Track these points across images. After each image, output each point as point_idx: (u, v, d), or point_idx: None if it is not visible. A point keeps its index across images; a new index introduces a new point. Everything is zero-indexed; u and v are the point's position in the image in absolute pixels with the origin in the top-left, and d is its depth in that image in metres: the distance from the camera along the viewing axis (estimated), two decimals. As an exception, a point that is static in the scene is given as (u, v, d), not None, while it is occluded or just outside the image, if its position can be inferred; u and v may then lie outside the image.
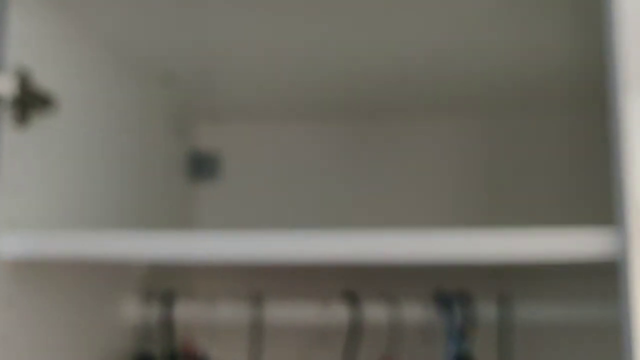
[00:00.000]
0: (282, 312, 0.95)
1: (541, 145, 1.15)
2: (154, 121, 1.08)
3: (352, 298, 0.93)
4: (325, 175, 1.18)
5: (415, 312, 0.91)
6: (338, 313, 0.92)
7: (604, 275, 0.97)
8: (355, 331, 0.92)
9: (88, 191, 0.86)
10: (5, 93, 0.68)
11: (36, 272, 0.73)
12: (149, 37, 0.89)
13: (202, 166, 1.22)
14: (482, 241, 0.62)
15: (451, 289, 0.91)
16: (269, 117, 1.19)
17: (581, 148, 1.13)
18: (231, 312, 0.96)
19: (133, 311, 0.97)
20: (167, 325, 0.95)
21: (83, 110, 0.85)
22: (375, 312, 0.92)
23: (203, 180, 1.22)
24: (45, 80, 0.75)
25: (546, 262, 0.62)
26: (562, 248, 0.61)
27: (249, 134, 1.21)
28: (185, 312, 0.96)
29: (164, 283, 1.02)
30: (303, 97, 1.11)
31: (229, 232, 0.66)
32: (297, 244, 0.64)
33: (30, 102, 0.72)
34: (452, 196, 1.15)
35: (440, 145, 1.17)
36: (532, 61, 0.95)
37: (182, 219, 1.17)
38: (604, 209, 0.71)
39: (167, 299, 0.96)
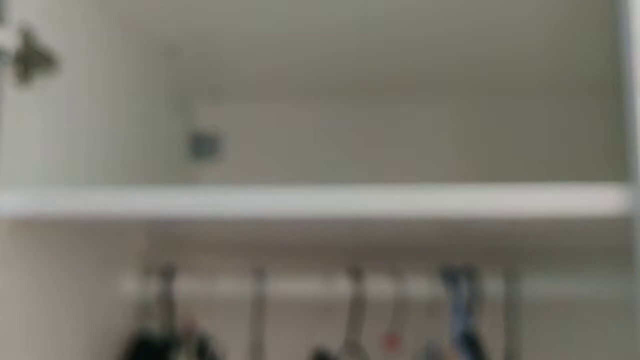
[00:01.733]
0: (284, 288, 0.93)
1: (542, 127, 1.14)
2: (155, 95, 1.06)
3: (355, 273, 0.91)
4: (326, 154, 1.17)
5: (421, 288, 0.90)
6: (341, 288, 0.91)
7: (610, 253, 0.96)
8: (358, 306, 0.90)
9: (87, 159, 0.85)
10: (8, 47, 0.67)
11: (35, 232, 0.72)
12: (154, 6, 0.88)
13: (202, 145, 1.21)
14: (496, 196, 0.60)
15: (457, 265, 0.90)
16: (270, 96, 1.18)
17: (585, 130, 1.13)
18: (233, 288, 0.94)
19: (132, 286, 0.95)
20: (167, 301, 0.93)
21: (86, 73, 0.83)
22: (379, 288, 0.91)
23: (204, 159, 1.21)
24: (48, 39, 0.74)
25: (560, 219, 0.61)
26: (576, 204, 0.59)
27: (250, 113, 1.20)
28: (186, 287, 0.94)
29: (164, 258, 1.00)
30: (304, 75, 1.10)
31: (234, 188, 0.64)
32: (304, 199, 0.62)
33: (33, 60, 0.71)
34: (453, 178, 1.14)
35: (443, 126, 1.16)
36: (537, 44, 0.95)
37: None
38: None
39: (167, 274, 0.94)
